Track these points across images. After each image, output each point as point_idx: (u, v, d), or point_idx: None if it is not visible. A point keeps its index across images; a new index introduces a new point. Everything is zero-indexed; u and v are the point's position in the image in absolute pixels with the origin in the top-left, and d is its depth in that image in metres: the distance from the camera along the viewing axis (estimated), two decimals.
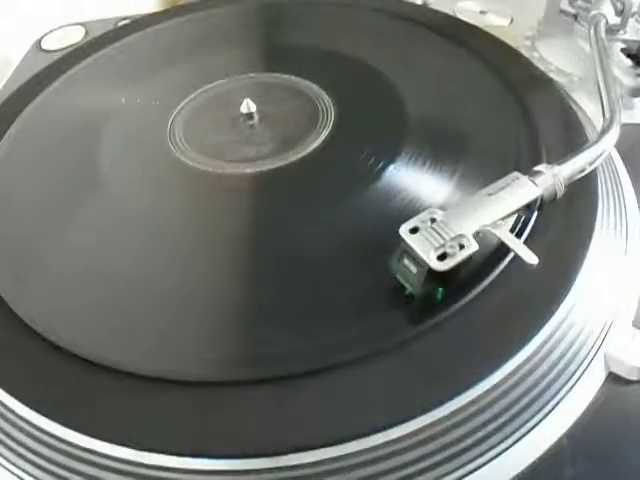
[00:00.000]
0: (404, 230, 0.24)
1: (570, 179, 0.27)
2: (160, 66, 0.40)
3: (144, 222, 0.30)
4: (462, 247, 0.23)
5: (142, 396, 0.24)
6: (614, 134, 0.28)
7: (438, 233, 0.24)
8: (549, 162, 0.27)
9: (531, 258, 0.24)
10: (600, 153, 0.28)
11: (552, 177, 0.26)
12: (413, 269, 0.24)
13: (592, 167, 0.28)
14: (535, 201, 0.26)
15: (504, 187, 0.26)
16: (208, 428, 0.23)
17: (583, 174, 0.27)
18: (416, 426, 0.22)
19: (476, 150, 0.31)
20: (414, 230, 0.24)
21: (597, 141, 0.28)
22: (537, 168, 0.26)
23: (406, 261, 0.24)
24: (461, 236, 0.24)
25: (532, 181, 0.26)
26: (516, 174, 0.26)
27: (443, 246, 0.24)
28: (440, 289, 0.24)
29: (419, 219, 0.25)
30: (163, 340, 0.25)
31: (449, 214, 0.25)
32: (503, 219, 0.25)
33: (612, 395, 0.25)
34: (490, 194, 0.25)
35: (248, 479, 0.22)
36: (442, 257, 0.23)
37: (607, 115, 0.30)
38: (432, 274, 0.23)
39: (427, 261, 0.23)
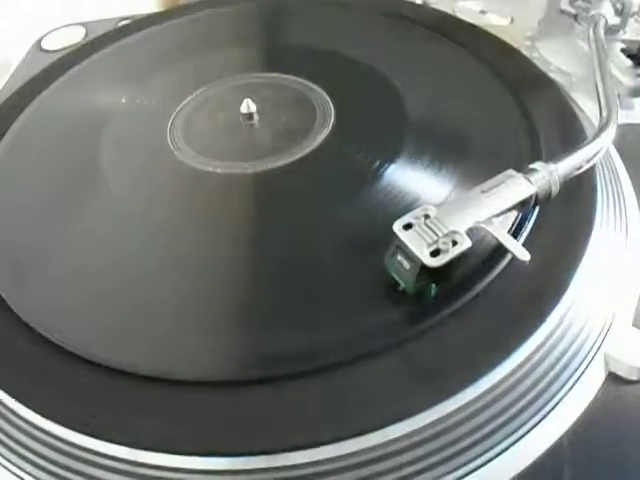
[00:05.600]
0: (398, 226, 0.24)
1: (566, 177, 0.27)
2: (160, 66, 0.40)
3: (144, 222, 0.30)
4: (455, 243, 0.24)
5: (142, 396, 0.24)
6: (611, 132, 0.28)
7: (431, 229, 0.24)
8: (547, 161, 0.27)
9: (523, 255, 0.24)
10: (597, 151, 0.28)
11: (547, 175, 0.26)
12: (406, 265, 0.24)
13: (589, 165, 0.27)
14: (530, 199, 0.26)
15: (498, 184, 0.26)
16: (208, 428, 0.23)
17: (580, 172, 0.27)
18: (415, 426, 0.22)
19: (476, 150, 0.31)
20: (408, 226, 0.24)
21: (594, 139, 0.28)
22: (533, 166, 0.26)
23: (399, 257, 0.24)
24: (454, 232, 0.24)
25: (527, 179, 0.26)
26: (511, 171, 0.26)
27: (436, 242, 0.24)
28: (433, 285, 0.24)
29: (413, 215, 0.25)
30: (163, 340, 0.25)
31: (443, 211, 0.25)
32: (497, 216, 0.25)
33: (612, 395, 0.25)
34: (484, 191, 0.25)
35: (248, 479, 0.22)
36: (435, 253, 0.23)
37: (604, 113, 0.30)
38: (425, 270, 0.23)
39: (420, 257, 0.23)
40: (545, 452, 0.23)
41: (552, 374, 0.24)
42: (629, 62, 0.38)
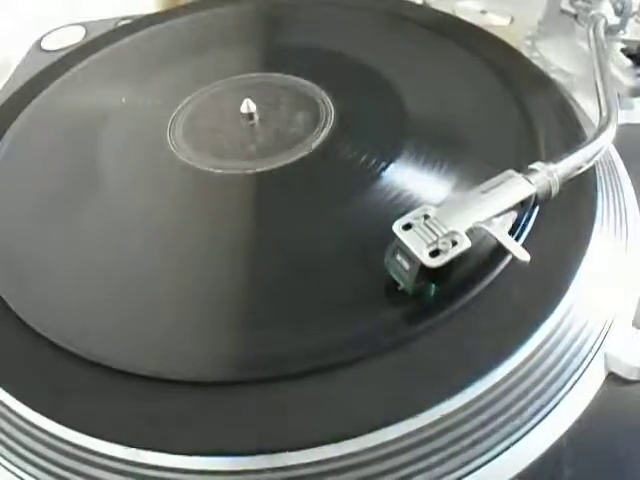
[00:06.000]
0: (397, 227, 0.24)
1: (566, 177, 0.27)
2: (160, 66, 0.40)
3: (144, 222, 0.30)
4: (455, 244, 0.24)
5: (142, 396, 0.24)
6: (611, 132, 0.28)
7: (431, 230, 0.24)
8: (547, 161, 0.27)
9: (523, 255, 0.24)
10: (597, 151, 0.28)
11: (547, 175, 0.26)
12: (406, 265, 0.24)
13: (589, 165, 0.28)
14: (529, 199, 0.26)
15: (498, 184, 0.26)
16: (208, 428, 0.23)
17: (580, 172, 0.27)
18: (416, 426, 0.22)
19: (476, 150, 0.31)
20: (407, 226, 0.24)
21: (593, 139, 0.28)
22: (532, 166, 0.27)
23: (399, 257, 0.24)
24: (454, 233, 0.24)
25: (527, 179, 0.26)
26: (511, 172, 0.26)
27: (436, 243, 0.24)
28: (432, 285, 0.25)
29: (412, 216, 0.25)
30: (163, 340, 0.25)
31: (442, 211, 0.25)
32: (497, 216, 0.25)
33: (612, 395, 0.25)
34: (484, 191, 0.25)
35: (248, 479, 0.22)
36: (435, 254, 0.23)
37: (604, 113, 0.30)
38: (424, 270, 0.23)
39: (419, 257, 0.23)
40: (545, 452, 0.23)
41: (552, 374, 0.24)
42: (629, 62, 0.38)
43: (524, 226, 0.27)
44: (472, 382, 0.23)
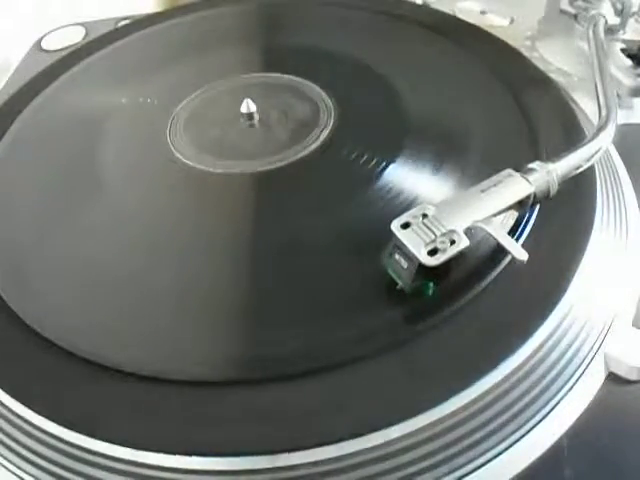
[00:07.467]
0: (396, 225, 0.24)
1: (565, 176, 0.27)
2: (160, 66, 0.40)
3: (144, 222, 0.30)
4: (453, 243, 0.24)
5: (142, 396, 0.24)
6: (610, 132, 0.28)
7: (429, 228, 0.24)
8: (546, 161, 0.27)
9: (521, 254, 0.24)
10: (596, 151, 0.28)
11: (546, 174, 0.26)
12: (404, 264, 0.24)
13: (588, 164, 0.28)
14: (528, 198, 0.26)
15: (497, 184, 0.26)
16: (208, 428, 0.23)
17: (579, 171, 0.27)
18: (416, 426, 0.22)
19: (476, 150, 0.31)
20: (406, 225, 0.24)
21: (592, 138, 0.28)
22: (531, 165, 0.27)
23: (397, 256, 0.24)
24: (452, 232, 0.24)
25: (525, 178, 0.26)
26: (509, 171, 0.26)
27: (434, 241, 0.24)
28: (431, 284, 0.25)
29: (411, 214, 0.25)
30: (163, 340, 0.26)
31: (441, 210, 0.25)
32: (495, 215, 0.25)
33: (612, 395, 0.25)
34: (482, 190, 0.25)
35: (248, 479, 0.22)
36: (433, 252, 0.23)
37: (603, 113, 0.30)
38: (423, 269, 0.24)
39: (417, 256, 0.23)
40: (545, 452, 0.23)
41: (552, 374, 0.24)
42: (629, 62, 0.38)
43: (524, 225, 0.27)
44: (472, 382, 0.23)
